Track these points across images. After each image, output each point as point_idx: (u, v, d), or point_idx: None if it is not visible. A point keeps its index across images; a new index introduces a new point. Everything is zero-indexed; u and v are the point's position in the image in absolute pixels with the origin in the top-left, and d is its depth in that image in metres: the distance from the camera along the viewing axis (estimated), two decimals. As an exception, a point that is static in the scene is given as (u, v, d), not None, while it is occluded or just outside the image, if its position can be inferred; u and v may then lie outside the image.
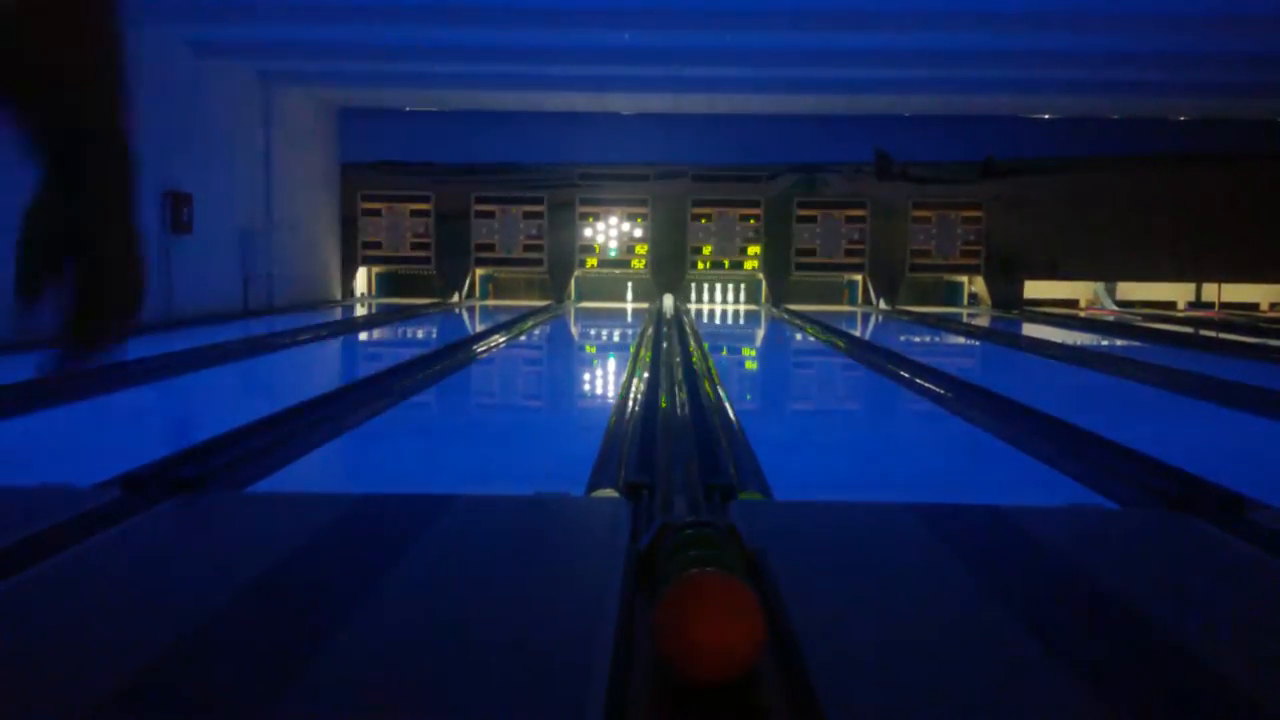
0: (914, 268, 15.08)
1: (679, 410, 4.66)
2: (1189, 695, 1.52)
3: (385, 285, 15.45)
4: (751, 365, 9.08)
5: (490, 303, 14.93)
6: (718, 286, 15.26)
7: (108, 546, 2.20)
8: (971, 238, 15.00)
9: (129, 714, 1.40)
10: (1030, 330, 11.45)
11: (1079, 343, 9.80)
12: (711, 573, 1.47)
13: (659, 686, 1.46)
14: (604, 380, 7.52)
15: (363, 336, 10.50)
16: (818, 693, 1.41)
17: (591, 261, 15.10)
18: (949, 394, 5.72)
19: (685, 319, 11.04)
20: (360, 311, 13.20)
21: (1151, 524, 2.58)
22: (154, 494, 2.62)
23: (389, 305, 14.00)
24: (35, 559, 2.06)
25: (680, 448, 3.60)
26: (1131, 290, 15.41)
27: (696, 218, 15.01)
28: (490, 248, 14.99)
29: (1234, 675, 1.58)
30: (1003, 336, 10.57)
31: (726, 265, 15.03)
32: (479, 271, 15.15)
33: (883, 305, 14.67)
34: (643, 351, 7.62)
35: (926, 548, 2.20)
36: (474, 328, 11.38)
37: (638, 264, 15.09)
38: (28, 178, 1.04)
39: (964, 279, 15.31)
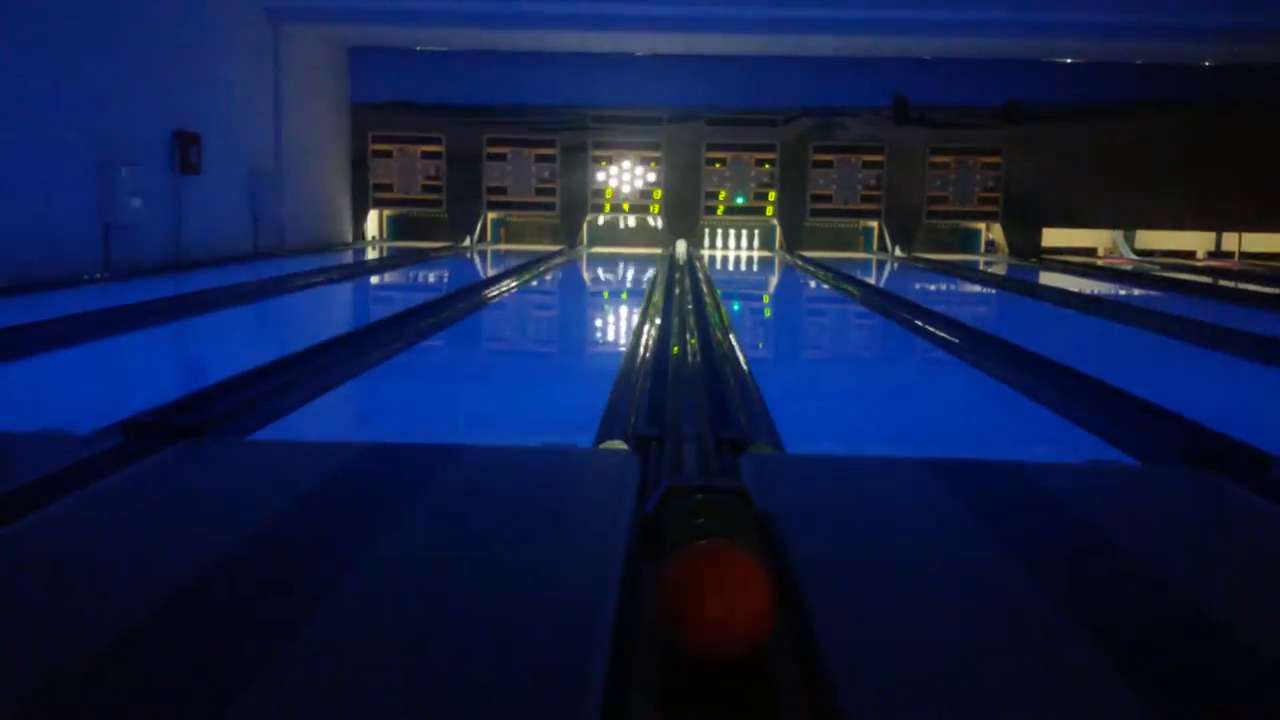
0: (931, 214, 14.89)
1: (690, 359, 4.60)
2: (1213, 660, 1.47)
3: (396, 228, 15.35)
4: (765, 313, 9.00)
5: (502, 247, 14.82)
6: (731, 232, 15.10)
7: (107, 494, 2.16)
8: (990, 184, 14.78)
9: (129, 661, 1.37)
10: (1048, 279, 11.30)
11: (1097, 292, 9.67)
12: (714, 546, 1.41)
13: (662, 656, 1.41)
14: (615, 327, 7.45)
15: (374, 280, 10.44)
16: (831, 668, 1.36)
17: (605, 206, 14.95)
18: (965, 343, 5.63)
19: (698, 265, 10.94)
20: (371, 255, 13.13)
21: (1175, 482, 2.51)
22: (156, 440, 2.58)
23: (400, 248, 13.92)
24: (34, 506, 2.03)
25: (691, 397, 3.54)
26: (1150, 239, 15.20)
27: (710, 162, 14.81)
28: (502, 191, 14.85)
29: (1257, 638, 1.53)
30: (1020, 285, 10.43)
31: (740, 202, 14.85)
32: (491, 215, 15.03)
33: (898, 252, 14.51)
34: (655, 298, 7.54)
35: (944, 510, 2.14)
36: (485, 272, 11.30)
37: (651, 209, 14.93)
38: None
39: (981, 226, 15.12)
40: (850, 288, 9.44)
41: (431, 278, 10.66)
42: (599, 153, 14.83)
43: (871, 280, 10.79)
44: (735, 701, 1.32)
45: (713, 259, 13.29)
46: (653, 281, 9.08)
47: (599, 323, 7.94)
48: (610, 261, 13.14)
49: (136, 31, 8.88)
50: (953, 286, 10.75)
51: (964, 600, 1.64)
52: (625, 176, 14.87)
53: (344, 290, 9.23)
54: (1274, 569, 1.90)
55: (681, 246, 13.87)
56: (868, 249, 15.04)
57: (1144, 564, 1.83)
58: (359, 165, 14.78)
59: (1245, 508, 2.25)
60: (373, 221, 15.18)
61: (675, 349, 4.91)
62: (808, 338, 7.58)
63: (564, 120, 14.80)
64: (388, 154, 14.82)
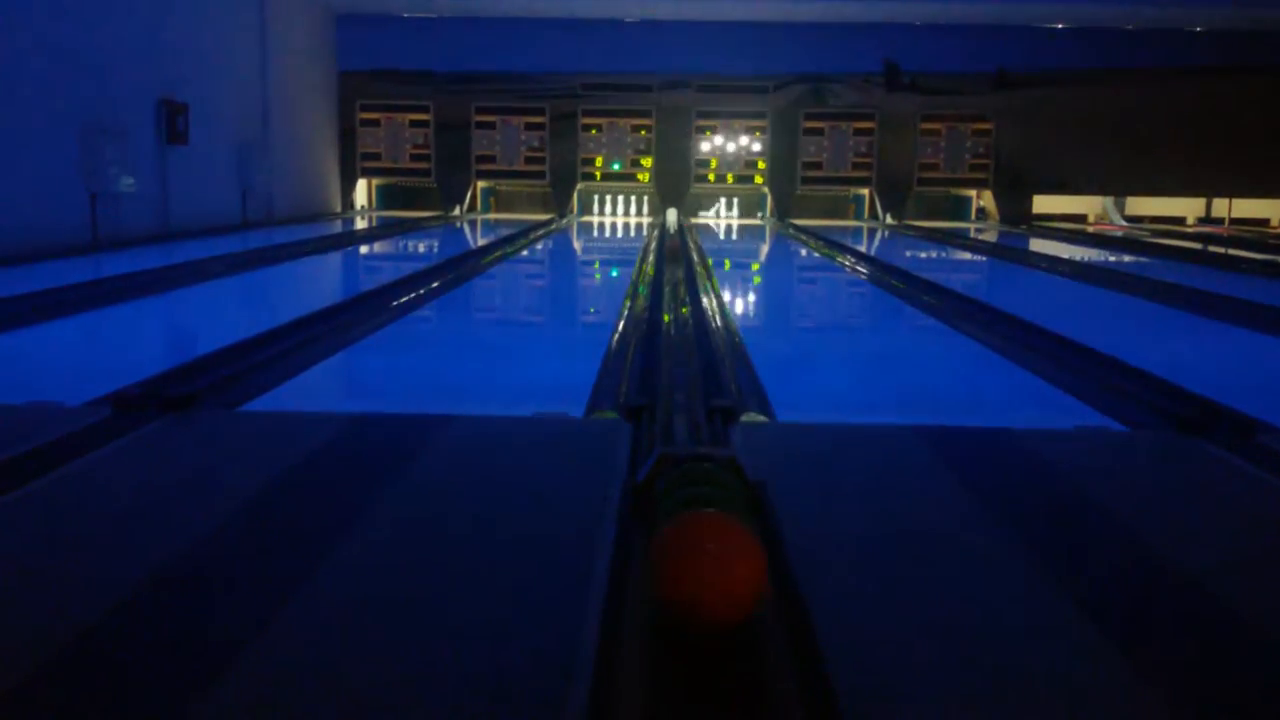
0: (921, 181, 14.85)
1: (681, 328, 4.60)
2: (1194, 623, 1.49)
3: (385, 198, 15.25)
4: (756, 281, 8.99)
5: (491, 216, 14.75)
6: (722, 200, 15.05)
7: (96, 466, 2.16)
8: (980, 151, 14.75)
9: (119, 633, 1.37)
10: (1038, 246, 11.31)
11: (1087, 259, 9.68)
12: (707, 514, 1.42)
13: (652, 621, 1.42)
14: (606, 297, 7.43)
15: (363, 250, 10.39)
16: (819, 636, 1.37)
17: (595, 175, 14.87)
18: (955, 311, 5.64)
19: (689, 234, 10.91)
20: (360, 225, 13.05)
21: (1161, 447, 2.53)
22: (145, 413, 2.57)
23: (389, 218, 13.84)
24: (24, 479, 2.02)
25: (682, 367, 3.54)
26: (1140, 205, 15.20)
27: (701, 129, 14.74)
28: (491, 159, 14.75)
29: (1236, 601, 1.55)
30: (1010, 252, 10.44)
31: (730, 179, 14.81)
32: (480, 184, 14.94)
33: (889, 220, 14.49)
34: (645, 267, 7.52)
35: (934, 476, 2.15)
36: (475, 242, 11.25)
37: (642, 177, 14.87)
38: None
39: (972, 193, 15.09)
40: (841, 256, 9.44)
41: (421, 247, 10.62)
42: (589, 120, 14.74)
43: (862, 248, 10.78)
44: (723, 665, 1.33)
45: (704, 227, 13.25)
46: (643, 250, 9.06)
47: (589, 292, 7.93)
48: (600, 230, 13.10)
49: (119, -1, 8.76)
50: (943, 254, 10.75)
51: (954, 568, 1.66)
52: (615, 145, 14.77)
53: (333, 260, 9.19)
54: (1257, 533, 1.92)
55: (672, 215, 13.83)
56: (859, 217, 15.01)
57: (1131, 529, 1.85)
58: (347, 134, 14.67)
59: (1231, 473, 2.27)
60: (361, 191, 15.09)
61: (666, 318, 4.91)
62: (799, 306, 7.58)
63: (553, 88, 14.69)
64: (375, 122, 14.70)
